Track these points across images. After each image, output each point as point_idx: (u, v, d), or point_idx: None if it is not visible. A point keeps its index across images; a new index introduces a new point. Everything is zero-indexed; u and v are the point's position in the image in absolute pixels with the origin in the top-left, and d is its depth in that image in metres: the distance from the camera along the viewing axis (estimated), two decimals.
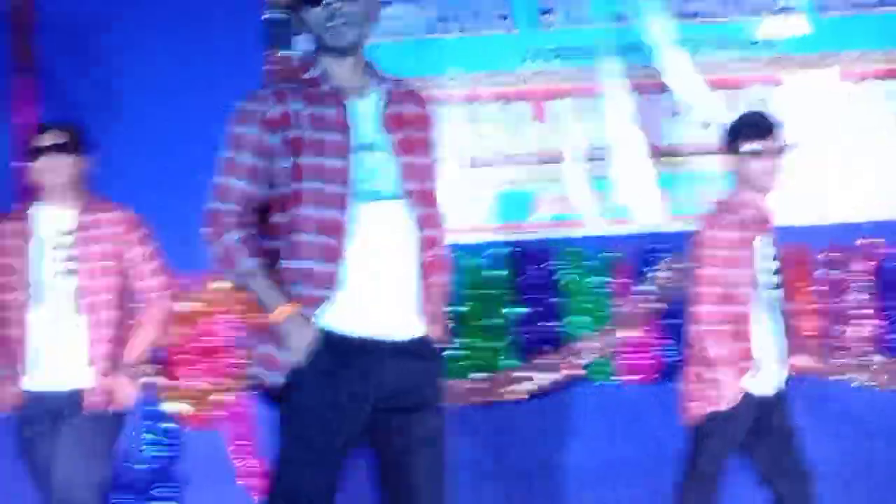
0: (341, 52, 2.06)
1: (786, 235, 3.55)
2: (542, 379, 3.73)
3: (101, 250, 2.92)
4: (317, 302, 2.01)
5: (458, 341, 3.77)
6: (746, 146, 3.10)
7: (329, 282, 2.01)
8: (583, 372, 3.78)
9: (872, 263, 3.80)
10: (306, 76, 2.13)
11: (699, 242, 3.13)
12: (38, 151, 2.87)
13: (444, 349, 2.22)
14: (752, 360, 3.10)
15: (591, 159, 3.85)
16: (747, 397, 3.07)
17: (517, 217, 3.93)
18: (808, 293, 3.80)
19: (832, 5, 3.85)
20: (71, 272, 3.01)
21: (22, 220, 2.96)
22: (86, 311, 2.94)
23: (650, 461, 3.53)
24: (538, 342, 3.81)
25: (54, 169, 2.86)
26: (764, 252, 3.17)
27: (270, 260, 2.06)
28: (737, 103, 3.74)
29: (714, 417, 3.10)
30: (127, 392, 2.93)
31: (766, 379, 3.14)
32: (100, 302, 3.00)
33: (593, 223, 3.81)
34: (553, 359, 3.74)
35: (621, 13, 3.81)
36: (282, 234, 2.08)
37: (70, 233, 2.97)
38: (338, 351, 2.02)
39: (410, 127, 2.16)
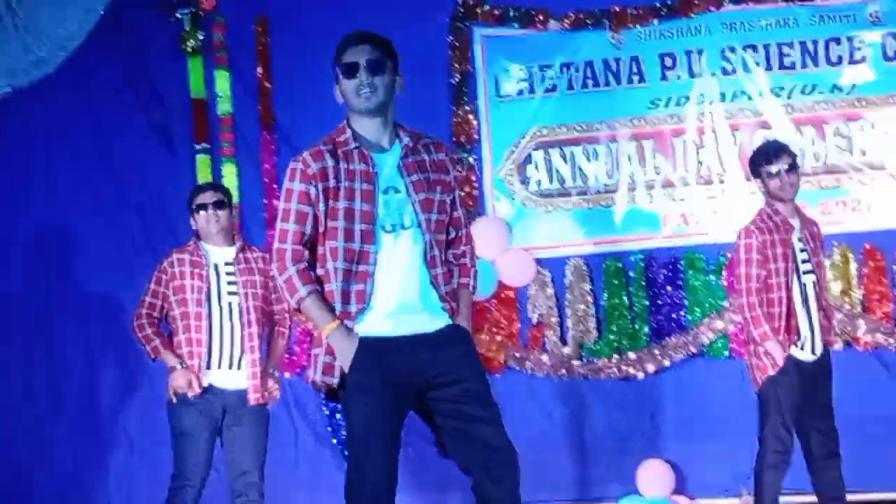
0: (372, 114, 2.48)
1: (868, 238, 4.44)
2: (673, 356, 4.74)
3: (253, 280, 3.71)
4: (354, 315, 2.42)
5: (608, 327, 4.82)
6: (765, 168, 3.69)
7: (361, 299, 2.43)
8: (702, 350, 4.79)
9: None
10: (340, 138, 2.51)
11: (738, 247, 3.73)
12: (203, 207, 3.66)
13: (468, 332, 2.54)
14: (792, 334, 3.65)
15: (704, 183, 4.82)
16: (793, 362, 3.63)
17: (651, 230, 4.90)
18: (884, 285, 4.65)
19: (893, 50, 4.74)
20: (233, 294, 3.83)
21: (199, 252, 3.71)
22: (245, 325, 3.76)
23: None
24: (668, 328, 4.78)
25: (218, 219, 3.69)
26: (797, 249, 3.69)
27: (320, 285, 2.47)
28: (824, 136, 4.68)
29: (770, 382, 3.67)
30: (275, 390, 3.81)
31: (806, 348, 3.68)
32: (254, 319, 3.79)
33: (708, 233, 4.79)
34: (680, 340, 4.74)
35: (727, 68, 4.79)
36: (323, 263, 2.51)
37: (231, 264, 3.79)
38: (374, 350, 2.40)
39: (427, 171, 2.55)
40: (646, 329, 4.85)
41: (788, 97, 4.76)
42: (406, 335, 2.45)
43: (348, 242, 2.47)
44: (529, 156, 4.96)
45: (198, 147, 5.10)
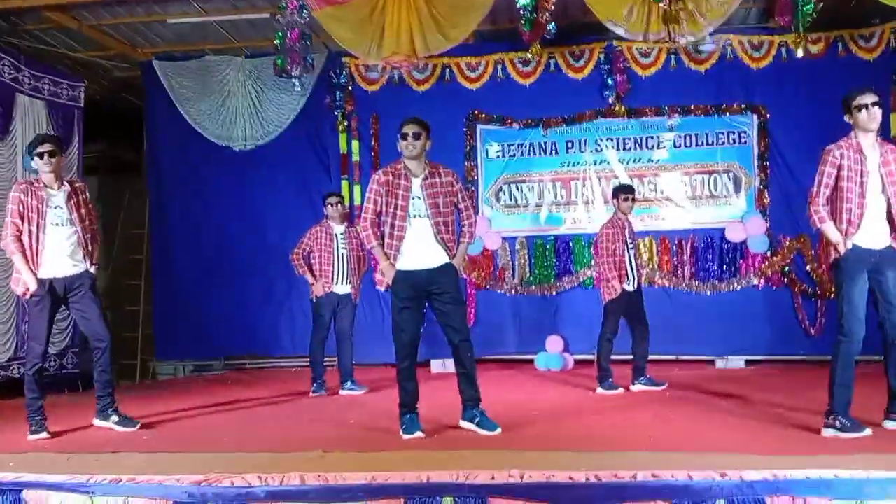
0: (411, 158, 4.77)
1: (665, 234, 8.77)
2: (566, 286, 9.33)
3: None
4: (395, 258, 4.83)
5: (536, 271, 9.37)
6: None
7: (397, 251, 4.81)
8: (580, 283, 9.36)
9: None
10: (398, 166, 4.80)
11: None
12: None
13: (455, 269, 4.90)
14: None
15: (584, 204, 9.36)
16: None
17: (558, 225, 9.30)
18: (669, 255, 9.07)
19: (679, 142, 9.20)
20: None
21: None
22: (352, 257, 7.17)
23: None
24: (565, 272, 9.33)
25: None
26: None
27: (382, 240, 4.86)
28: (643, 183, 9.19)
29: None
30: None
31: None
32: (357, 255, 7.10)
33: (585, 229, 9.31)
34: (570, 278, 9.37)
35: (598, 148, 9.28)
36: (384, 231, 4.80)
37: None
38: (404, 275, 4.81)
39: (438, 186, 4.79)
40: (554, 273, 9.16)
41: (627, 164, 9.13)
42: (420, 269, 4.83)
43: (395, 220, 4.82)
44: (501, 187, 9.28)
45: (343, 177, 9.49)
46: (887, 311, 4.58)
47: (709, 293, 8.89)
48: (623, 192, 6.96)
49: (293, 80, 8.05)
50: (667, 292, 8.95)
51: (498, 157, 9.37)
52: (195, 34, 9.28)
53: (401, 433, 4.90)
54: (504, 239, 9.24)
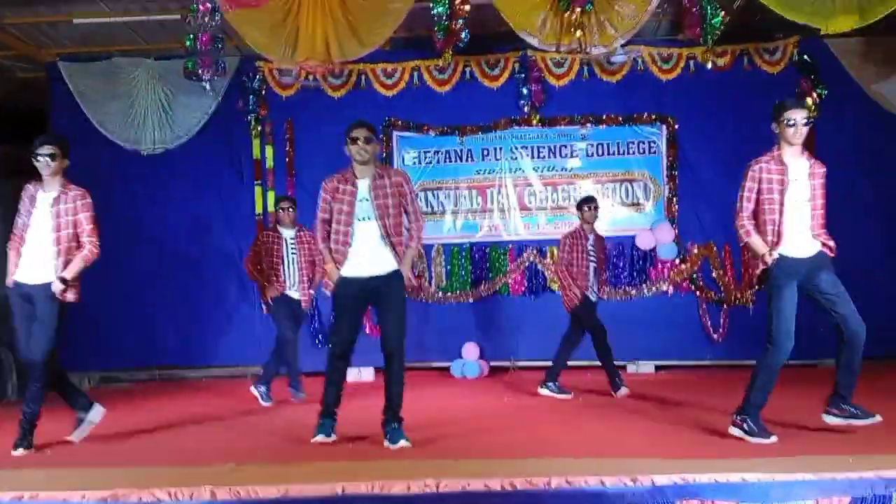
0: (361, 164, 4.87)
1: None
2: (482, 293, 9.40)
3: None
4: (340, 263, 4.89)
5: (451, 278, 9.41)
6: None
7: (344, 256, 4.85)
8: (497, 291, 9.43)
9: None
10: (346, 173, 4.90)
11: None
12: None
13: (402, 276, 4.89)
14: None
15: (500, 211, 9.46)
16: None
17: (474, 232, 9.35)
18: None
19: (591, 151, 9.29)
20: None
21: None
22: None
23: None
24: (481, 279, 9.39)
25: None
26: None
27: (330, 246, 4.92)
28: (556, 190, 9.35)
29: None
30: None
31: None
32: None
33: (501, 235, 9.39)
34: (486, 285, 9.42)
35: (513, 156, 9.38)
36: (331, 236, 4.90)
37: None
38: (346, 282, 4.87)
39: (388, 187, 4.85)
40: (470, 280, 9.21)
41: (541, 171, 9.26)
42: (364, 276, 4.87)
43: (339, 225, 4.94)
44: (417, 195, 9.04)
45: (256, 182, 9.34)
46: (832, 304, 4.67)
47: (620, 299, 9.04)
48: (585, 203, 7.20)
49: (204, 84, 7.85)
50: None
51: (414, 164, 9.37)
52: (102, 35, 8.98)
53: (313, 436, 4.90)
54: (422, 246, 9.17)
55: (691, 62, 9.07)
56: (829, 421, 4.84)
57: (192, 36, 7.52)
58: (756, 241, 4.66)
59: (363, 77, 9.32)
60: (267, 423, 5.98)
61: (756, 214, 4.72)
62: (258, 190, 9.39)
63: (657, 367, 8.93)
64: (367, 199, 4.87)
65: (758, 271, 4.73)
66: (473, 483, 3.65)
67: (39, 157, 5.23)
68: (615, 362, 8.79)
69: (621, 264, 9.13)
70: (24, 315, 5.22)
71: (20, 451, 5.08)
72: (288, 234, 7.31)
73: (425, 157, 9.39)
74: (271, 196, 9.31)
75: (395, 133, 9.38)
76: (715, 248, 9.06)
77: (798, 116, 4.57)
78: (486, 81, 9.24)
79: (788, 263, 4.63)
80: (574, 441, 4.89)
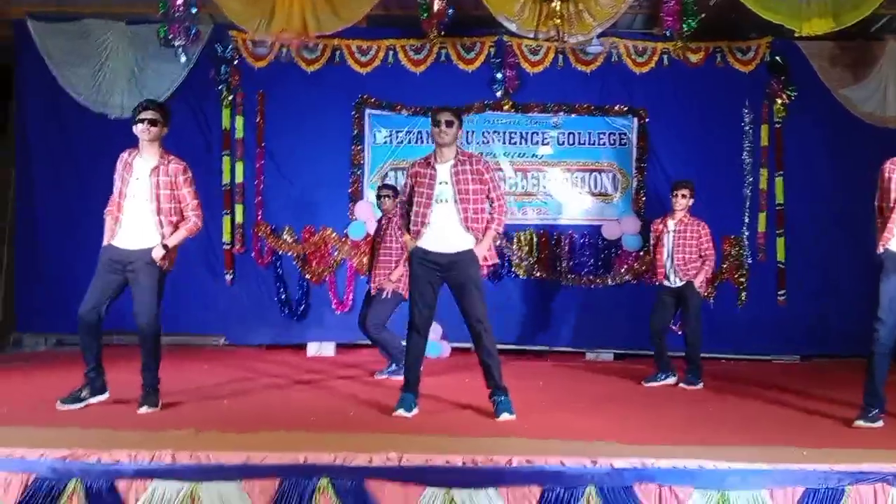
0: (441, 146, 4.99)
1: (545, 228, 8.97)
2: None
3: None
4: (416, 237, 5.05)
5: None
6: None
7: (419, 233, 5.00)
8: None
9: None
10: (430, 156, 5.07)
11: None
12: None
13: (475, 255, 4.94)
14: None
15: None
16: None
17: None
18: (550, 249, 9.37)
19: (563, 140, 9.31)
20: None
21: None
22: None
23: None
24: None
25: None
26: None
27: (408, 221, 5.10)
28: (527, 176, 9.37)
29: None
30: None
31: None
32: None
33: None
34: None
35: (485, 141, 9.38)
36: (411, 218, 5.10)
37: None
38: (421, 253, 5.00)
39: (467, 174, 4.93)
40: None
41: (512, 157, 9.28)
42: (440, 252, 4.98)
43: (419, 206, 5.06)
44: (387, 174, 9.24)
45: (224, 153, 9.24)
46: None
47: (583, 287, 9.11)
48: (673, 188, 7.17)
49: (177, 51, 7.76)
50: (543, 285, 9.16)
51: (386, 143, 9.35)
52: None
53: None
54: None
55: (665, 56, 9.15)
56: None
57: (164, 1, 7.41)
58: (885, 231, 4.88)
59: (338, 53, 9.25)
60: (226, 392, 5.95)
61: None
62: (226, 160, 9.31)
63: (616, 356, 9.00)
64: (446, 182, 4.96)
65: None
66: (436, 458, 3.68)
67: (139, 122, 5.13)
68: (575, 350, 9.06)
69: (587, 253, 9.18)
70: (104, 278, 5.16)
71: (144, 409, 5.16)
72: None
73: (397, 137, 9.35)
74: (240, 167, 9.28)
75: (367, 111, 9.34)
76: None
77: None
78: (461, 64, 9.23)
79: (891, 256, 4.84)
80: (536, 424, 4.94)
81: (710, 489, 3.59)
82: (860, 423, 4.85)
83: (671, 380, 6.87)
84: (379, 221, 7.34)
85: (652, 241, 7.16)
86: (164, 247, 5.16)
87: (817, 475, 3.60)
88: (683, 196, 6.86)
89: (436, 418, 5.07)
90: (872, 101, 8.79)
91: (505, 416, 4.96)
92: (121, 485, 3.58)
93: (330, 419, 4.94)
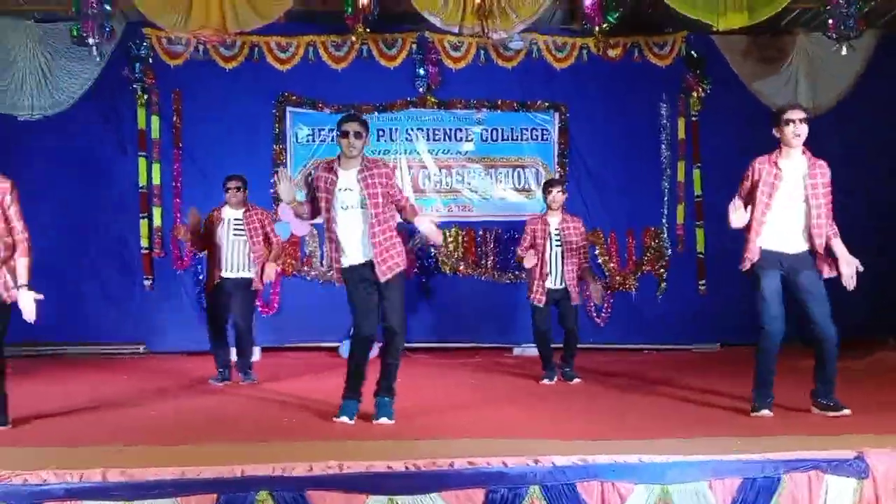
0: (349, 157, 4.72)
1: (471, 224, 8.97)
2: None
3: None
4: (338, 262, 4.86)
5: None
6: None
7: (335, 243, 4.78)
8: None
9: None
10: (332, 163, 4.81)
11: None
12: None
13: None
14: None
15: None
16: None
17: None
18: (489, 246, 9.37)
19: (486, 136, 9.36)
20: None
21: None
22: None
23: None
24: None
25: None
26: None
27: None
28: (451, 174, 9.37)
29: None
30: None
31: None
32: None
33: None
34: None
35: (409, 138, 9.33)
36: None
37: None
38: (348, 273, 4.82)
39: (371, 179, 4.70)
40: None
41: (436, 154, 9.28)
42: (356, 264, 4.84)
43: (326, 214, 4.85)
44: (311, 172, 9.07)
45: (140, 154, 8.98)
46: (805, 301, 4.81)
47: (508, 283, 9.14)
48: (549, 185, 6.81)
49: (90, 49, 7.47)
50: (469, 281, 9.21)
51: (308, 141, 9.23)
52: None
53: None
54: (312, 225, 9.01)
55: (584, 52, 9.25)
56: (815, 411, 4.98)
57: None
58: (734, 210, 4.81)
59: (256, 49, 9.08)
60: (149, 403, 5.76)
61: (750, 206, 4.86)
62: (142, 162, 9.05)
63: None
64: (350, 189, 4.77)
65: (742, 266, 4.94)
66: (377, 464, 3.62)
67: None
68: (501, 345, 9.09)
69: (512, 248, 9.15)
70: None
71: None
72: (232, 214, 6.81)
73: (319, 135, 9.24)
74: (156, 168, 9.05)
75: (288, 109, 9.22)
76: (602, 235, 9.31)
77: (795, 116, 4.70)
78: (383, 61, 9.16)
79: (766, 255, 4.81)
80: (475, 424, 4.92)
81: (652, 483, 3.62)
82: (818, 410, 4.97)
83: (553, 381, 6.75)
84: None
85: (526, 244, 6.67)
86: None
87: (754, 465, 3.66)
88: (560, 192, 6.67)
89: (373, 424, 4.99)
90: (784, 94, 9.05)
91: (384, 421, 4.87)
92: None
93: (264, 428, 4.81)
